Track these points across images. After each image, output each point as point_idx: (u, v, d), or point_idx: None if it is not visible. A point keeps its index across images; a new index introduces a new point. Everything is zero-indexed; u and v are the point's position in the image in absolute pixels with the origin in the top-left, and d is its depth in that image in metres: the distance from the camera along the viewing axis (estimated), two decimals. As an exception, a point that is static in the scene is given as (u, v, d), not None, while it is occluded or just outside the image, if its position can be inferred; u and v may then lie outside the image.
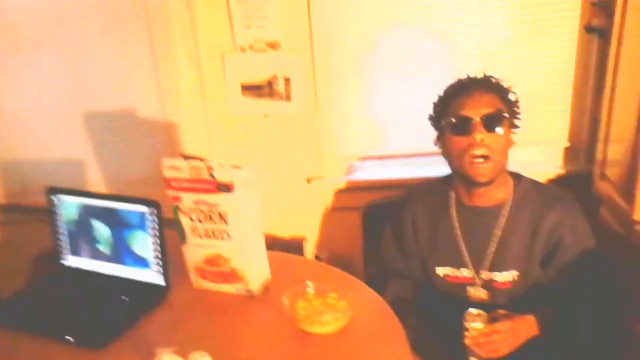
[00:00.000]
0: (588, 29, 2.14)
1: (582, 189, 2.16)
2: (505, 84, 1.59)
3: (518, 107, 1.59)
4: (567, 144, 2.32)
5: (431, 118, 1.64)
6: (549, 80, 2.25)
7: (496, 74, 1.60)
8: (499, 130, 1.51)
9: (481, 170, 1.51)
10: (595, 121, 2.18)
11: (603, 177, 2.06)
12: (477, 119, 1.49)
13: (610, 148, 2.02)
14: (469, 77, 1.60)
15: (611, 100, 1.99)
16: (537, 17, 2.18)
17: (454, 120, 1.53)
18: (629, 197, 1.79)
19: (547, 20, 2.18)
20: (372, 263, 1.84)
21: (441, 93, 1.62)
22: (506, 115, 1.53)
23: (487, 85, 1.56)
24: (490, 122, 1.50)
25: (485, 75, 1.60)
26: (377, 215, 1.96)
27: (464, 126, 1.51)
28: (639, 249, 1.70)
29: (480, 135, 1.48)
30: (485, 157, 1.50)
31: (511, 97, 1.59)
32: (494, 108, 1.51)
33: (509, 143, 1.56)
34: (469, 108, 1.51)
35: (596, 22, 2.12)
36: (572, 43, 2.19)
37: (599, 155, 2.09)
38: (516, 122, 1.58)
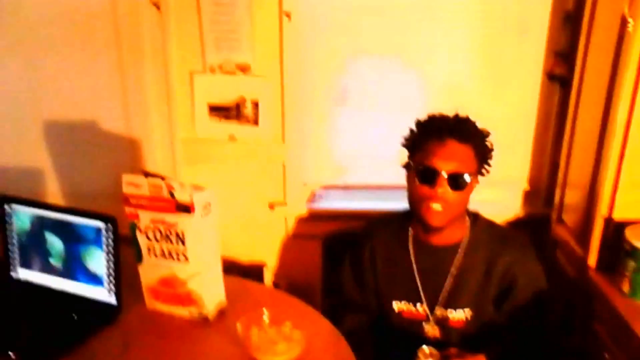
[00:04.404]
0: (550, 76, 2.21)
1: (539, 231, 2.21)
2: (479, 125, 1.56)
3: (491, 155, 1.58)
4: (527, 187, 2.37)
5: (404, 146, 1.63)
6: (511, 122, 2.30)
7: (469, 113, 1.57)
8: (465, 180, 1.50)
9: (436, 219, 1.53)
10: (554, 166, 2.23)
11: (560, 221, 2.11)
12: (444, 174, 1.48)
13: (567, 193, 2.07)
14: (443, 118, 1.56)
15: (570, 147, 2.05)
16: (502, 61, 2.23)
17: (420, 168, 1.52)
18: (584, 242, 1.83)
19: (511, 65, 2.23)
20: (330, 293, 1.83)
21: (413, 127, 1.60)
22: (474, 175, 1.53)
23: (462, 134, 1.51)
24: (456, 181, 1.49)
25: (460, 118, 1.55)
26: (337, 245, 1.96)
27: (429, 176, 1.50)
28: (592, 294, 1.74)
29: (442, 190, 1.48)
30: (443, 209, 1.51)
31: (487, 144, 1.57)
32: (464, 165, 1.50)
33: (471, 191, 1.56)
34: (438, 159, 1.49)
35: (558, 70, 2.19)
36: (535, 88, 2.25)
37: (556, 200, 2.14)
38: (485, 169, 1.58)
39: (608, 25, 1.74)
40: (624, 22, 1.63)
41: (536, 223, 2.27)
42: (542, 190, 2.34)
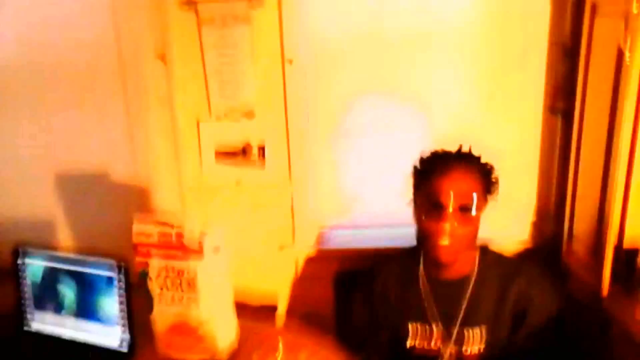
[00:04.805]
0: (552, 110, 2.23)
1: (549, 263, 2.19)
2: (483, 160, 1.60)
3: (496, 188, 1.61)
4: (534, 219, 2.36)
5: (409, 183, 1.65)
6: (516, 156, 2.30)
7: (473, 147, 1.60)
8: (472, 214, 1.51)
9: (445, 253, 1.54)
10: (561, 197, 2.23)
11: (570, 251, 2.10)
12: (450, 209, 1.49)
13: (576, 224, 2.07)
14: (446, 154, 1.59)
15: (575, 178, 2.06)
16: (504, 95, 2.25)
17: (426, 204, 1.54)
18: (596, 272, 1.82)
19: (514, 99, 2.26)
20: (342, 334, 1.82)
21: (417, 164, 1.63)
22: (480, 208, 1.54)
23: (465, 169, 1.54)
24: (462, 215, 1.50)
25: (463, 153, 1.59)
26: (348, 284, 1.95)
27: (435, 212, 1.51)
28: (606, 323, 1.72)
29: (449, 225, 1.50)
30: (451, 244, 1.52)
31: (491, 177, 1.60)
32: (469, 199, 1.51)
33: (479, 223, 1.57)
34: (443, 194, 1.50)
35: (559, 104, 2.21)
36: (538, 123, 2.27)
37: (565, 231, 2.14)
38: (491, 202, 1.60)
39: (605, 57, 1.77)
40: (620, 54, 1.65)
41: (545, 254, 2.26)
42: (550, 222, 2.34)
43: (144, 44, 2.25)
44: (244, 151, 2.35)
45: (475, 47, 2.22)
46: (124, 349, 1.52)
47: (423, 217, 1.54)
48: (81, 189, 2.43)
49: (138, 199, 2.40)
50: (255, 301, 2.45)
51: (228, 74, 2.27)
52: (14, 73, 2.34)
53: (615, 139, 1.71)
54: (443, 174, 1.53)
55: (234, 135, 2.34)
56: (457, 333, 1.60)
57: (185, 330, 1.49)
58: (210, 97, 2.31)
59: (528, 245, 2.33)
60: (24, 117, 2.38)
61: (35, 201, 2.46)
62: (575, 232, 2.08)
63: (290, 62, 2.24)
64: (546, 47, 2.18)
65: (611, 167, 1.73)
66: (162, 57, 2.26)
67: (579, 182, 2.04)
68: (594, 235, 1.86)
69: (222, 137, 2.35)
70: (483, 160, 1.60)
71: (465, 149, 1.60)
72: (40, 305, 1.64)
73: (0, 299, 1.73)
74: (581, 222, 2.02)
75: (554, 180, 2.29)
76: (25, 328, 1.66)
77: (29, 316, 1.66)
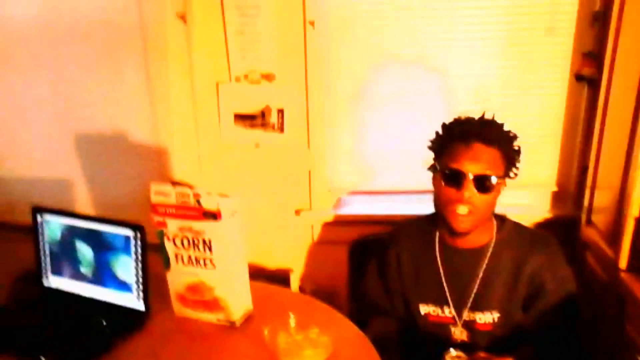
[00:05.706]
0: (578, 77, 2.18)
1: (569, 233, 2.17)
2: (506, 128, 1.54)
3: (519, 158, 1.56)
4: (555, 189, 2.34)
5: (430, 149, 1.61)
6: (539, 124, 2.28)
7: (496, 115, 1.54)
8: (492, 183, 1.48)
9: (462, 224, 1.51)
10: (583, 167, 2.20)
11: (589, 223, 2.08)
12: (470, 177, 1.46)
13: (597, 195, 2.04)
14: (469, 121, 1.54)
15: (599, 148, 2.02)
16: (530, 63, 2.21)
17: (446, 171, 1.51)
18: (615, 244, 1.80)
19: (539, 67, 2.21)
20: (356, 299, 1.83)
21: (439, 130, 1.59)
22: (501, 178, 1.51)
23: (487, 137, 1.50)
24: (482, 184, 1.47)
25: (486, 120, 1.54)
26: (363, 251, 1.96)
27: (455, 179, 1.49)
28: (622, 297, 1.70)
29: (469, 193, 1.47)
30: (469, 212, 1.50)
31: (514, 146, 1.55)
32: (490, 168, 1.48)
33: (498, 194, 1.54)
34: (464, 161, 1.48)
35: (586, 71, 2.15)
36: (563, 90, 2.22)
37: (586, 202, 2.11)
38: (513, 172, 1.56)
39: (637, 22, 1.72)
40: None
41: (565, 225, 2.24)
42: (571, 192, 2.31)
43: (165, 3, 2.23)
44: (263, 114, 2.34)
45: (501, 12, 2.16)
46: (141, 308, 1.55)
47: (442, 184, 1.52)
48: (99, 151, 2.45)
49: (156, 161, 2.41)
50: (270, 265, 2.48)
51: (249, 35, 2.25)
52: (33, 32, 2.34)
53: (642, 109, 1.66)
54: (464, 141, 1.50)
55: (254, 97, 2.33)
56: (472, 302, 1.59)
57: (201, 291, 1.50)
58: (230, 58, 2.29)
59: (548, 215, 2.31)
60: (42, 78, 2.39)
61: (53, 164, 2.49)
62: (596, 203, 2.05)
63: (312, 23, 2.21)
64: (575, 11, 2.11)
65: (637, 138, 1.69)
66: (183, 17, 2.23)
67: (602, 152, 2.00)
68: (615, 207, 1.83)
69: (241, 100, 2.34)
70: (506, 128, 1.56)
71: (488, 117, 1.56)
72: (58, 263, 1.66)
73: (18, 256, 1.76)
74: (603, 192, 1.99)
75: (577, 150, 2.26)
76: (45, 285, 1.69)
77: (47, 273, 1.69)
